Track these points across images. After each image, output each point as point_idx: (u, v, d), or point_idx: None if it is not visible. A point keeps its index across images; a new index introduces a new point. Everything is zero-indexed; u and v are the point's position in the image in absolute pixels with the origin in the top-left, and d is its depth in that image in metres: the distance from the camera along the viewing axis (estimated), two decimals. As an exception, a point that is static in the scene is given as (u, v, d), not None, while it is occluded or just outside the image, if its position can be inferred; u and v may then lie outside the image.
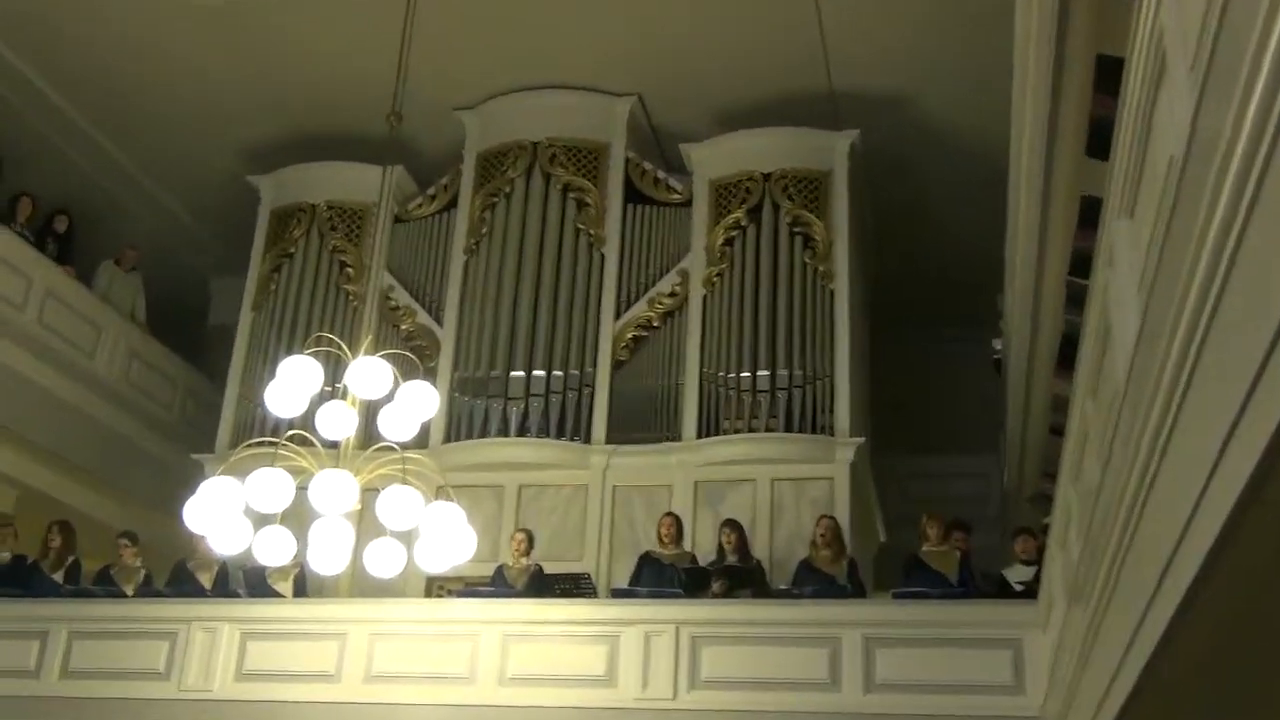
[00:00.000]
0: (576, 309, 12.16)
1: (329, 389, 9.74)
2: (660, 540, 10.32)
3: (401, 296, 12.84)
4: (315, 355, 8.60)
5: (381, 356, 8.46)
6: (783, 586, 9.92)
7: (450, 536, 8.28)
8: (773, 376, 11.41)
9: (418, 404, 8.45)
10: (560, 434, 11.64)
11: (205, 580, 10.54)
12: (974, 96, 11.58)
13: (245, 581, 10.47)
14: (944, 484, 14.37)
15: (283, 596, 10.29)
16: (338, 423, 8.30)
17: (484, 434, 11.67)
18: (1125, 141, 4.45)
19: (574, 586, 10.02)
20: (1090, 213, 7.23)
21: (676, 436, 11.51)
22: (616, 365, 11.96)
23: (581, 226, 12.51)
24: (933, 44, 11.50)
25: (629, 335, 12.08)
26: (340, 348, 9.02)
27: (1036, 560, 9.21)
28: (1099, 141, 6.68)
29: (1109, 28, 6.93)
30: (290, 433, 8.87)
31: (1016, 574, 9.49)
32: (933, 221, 13.70)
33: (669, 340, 12.01)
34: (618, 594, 9.95)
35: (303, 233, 13.31)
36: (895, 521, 12.62)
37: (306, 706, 9.51)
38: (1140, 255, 4.21)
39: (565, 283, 12.28)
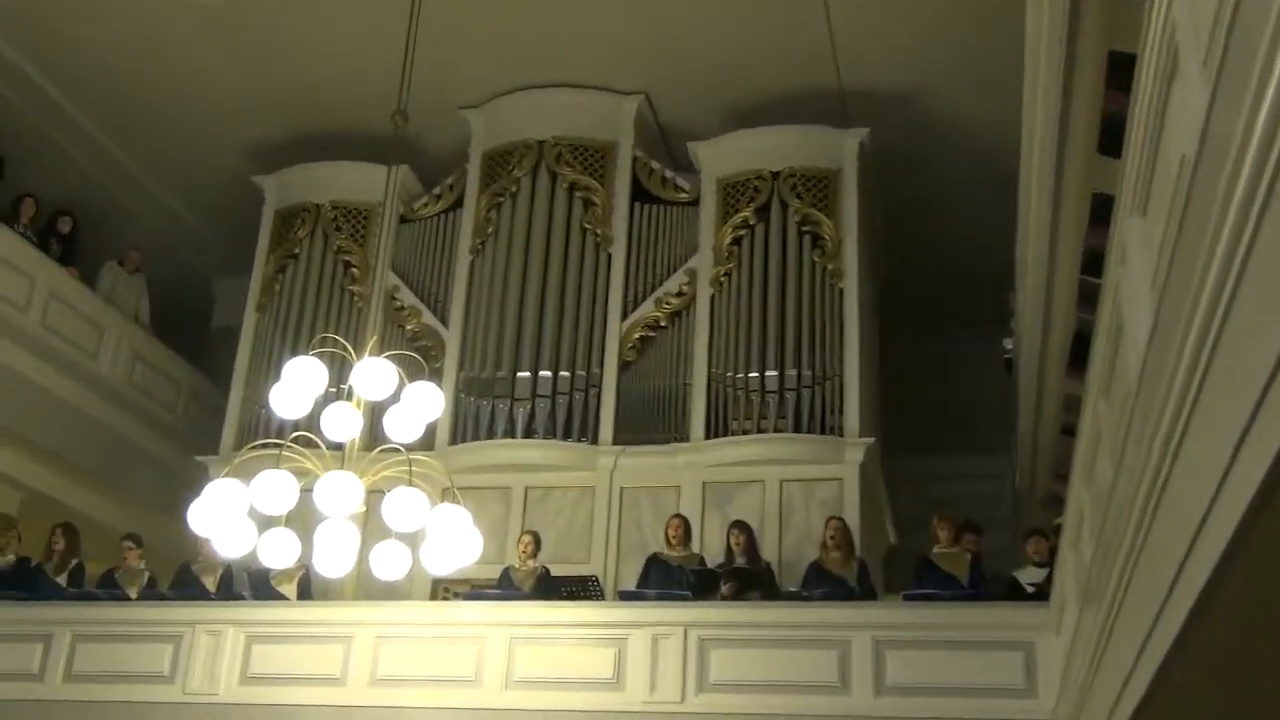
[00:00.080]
0: (583, 309, 12.13)
1: (334, 390, 9.77)
2: (668, 542, 10.27)
3: (407, 297, 12.80)
4: (320, 356, 8.57)
5: (387, 357, 8.41)
6: (792, 589, 9.87)
7: (456, 538, 8.26)
8: (781, 377, 11.37)
9: (423, 405, 8.41)
10: (567, 435, 11.60)
11: (209, 583, 10.52)
12: (984, 93, 11.52)
13: (249, 584, 10.45)
14: (955, 485, 14.30)
15: (287, 599, 10.26)
16: (343, 424, 8.28)
17: (490, 435, 11.64)
18: (1137, 139, 4.40)
19: (581, 589, 10.02)
20: (1102, 210, 7.19)
21: (684, 437, 11.47)
22: (623, 366, 11.93)
23: (588, 226, 12.47)
24: (942, 40, 11.45)
25: (636, 335, 12.04)
26: (345, 349, 8.98)
27: (1048, 562, 9.14)
28: (1111, 139, 6.64)
29: (1120, 24, 6.88)
30: (295, 434, 8.86)
31: (1028, 576, 9.44)
32: (943, 219, 13.64)
33: (676, 340, 11.98)
34: (625, 596, 9.91)
35: (307, 233, 13.29)
36: (905, 523, 12.63)
37: (312, 709, 9.47)
38: (1153, 254, 4.17)
39: (572, 283, 12.25)
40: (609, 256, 12.36)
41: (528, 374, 11.81)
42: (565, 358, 11.88)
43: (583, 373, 11.83)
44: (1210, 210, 2.96)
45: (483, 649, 9.44)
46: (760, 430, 11.24)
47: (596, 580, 10.23)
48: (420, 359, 10.48)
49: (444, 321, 12.52)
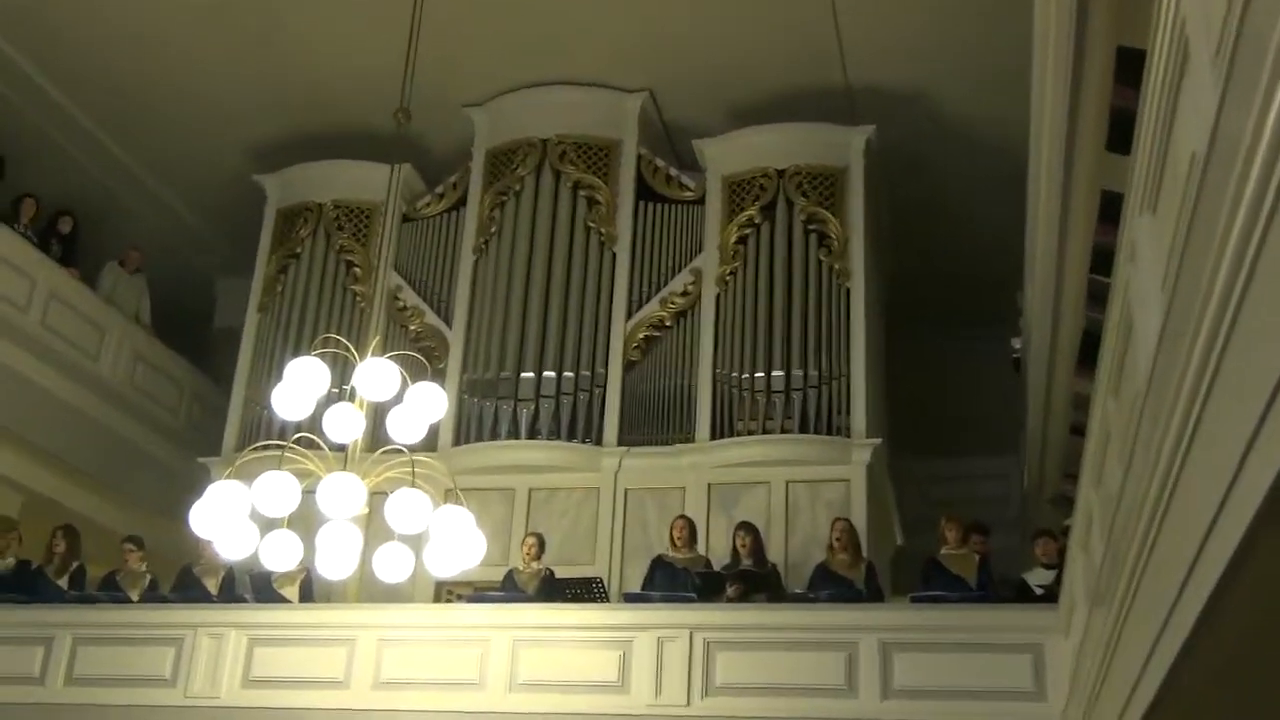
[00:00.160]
0: (587, 309, 12.09)
1: (336, 391, 9.73)
2: (673, 544, 10.22)
3: (409, 297, 12.77)
4: (322, 357, 8.55)
5: (389, 358, 8.39)
6: (798, 591, 9.82)
7: (459, 540, 8.24)
8: (787, 377, 11.33)
9: (426, 406, 8.40)
10: (571, 436, 11.57)
11: (211, 585, 10.49)
12: (992, 90, 11.47)
13: (251, 586, 10.42)
14: (963, 485, 14.30)
15: (289, 602, 10.22)
16: (345, 425, 8.25)
17: (494, 436, 11.62)
18: (1147, 136, 4.37)
19: (585, 591, 9.94)
20: (1111, 208, 7.17)
21: (689, 438, 11.42)
22: (628, 366, 11.89)
23: (592, 225, 12.43)
24: (950, 37, 11.40)
25: (641, 335, 12.00)
26: (347, 349, 8.97)
27: (1057, 563, 9.10)
28: (1120, 135, 6.59)
29: (1129, 18, 6.89)
30: (297, 435, 8.84)
31: (1037, 577, 9.40)
32: (951, 218, 13.61)
33: (681, 340, 11.94)
34: (630, 598, 9.86)
35: (309, 232, 13.26)
36: (913, 524, 12.60)
37: (315, 713, 9.43)
38: (1163, 252, 4.15)
39: (576, 282, 12.21)
40: (613, 256, 12.32)
41: (531, 374, 11.78)
42: (569, 358, 11.84)
43: (587, 373, 11.79)
44: (1220, 209, 2.92)
45: (486, 652, 9.39)
46: (766, 431, 11.19)
47: (601, 582, 10.15)
48: (423, 359, 10.49)
49: (447, 321, 12.49)
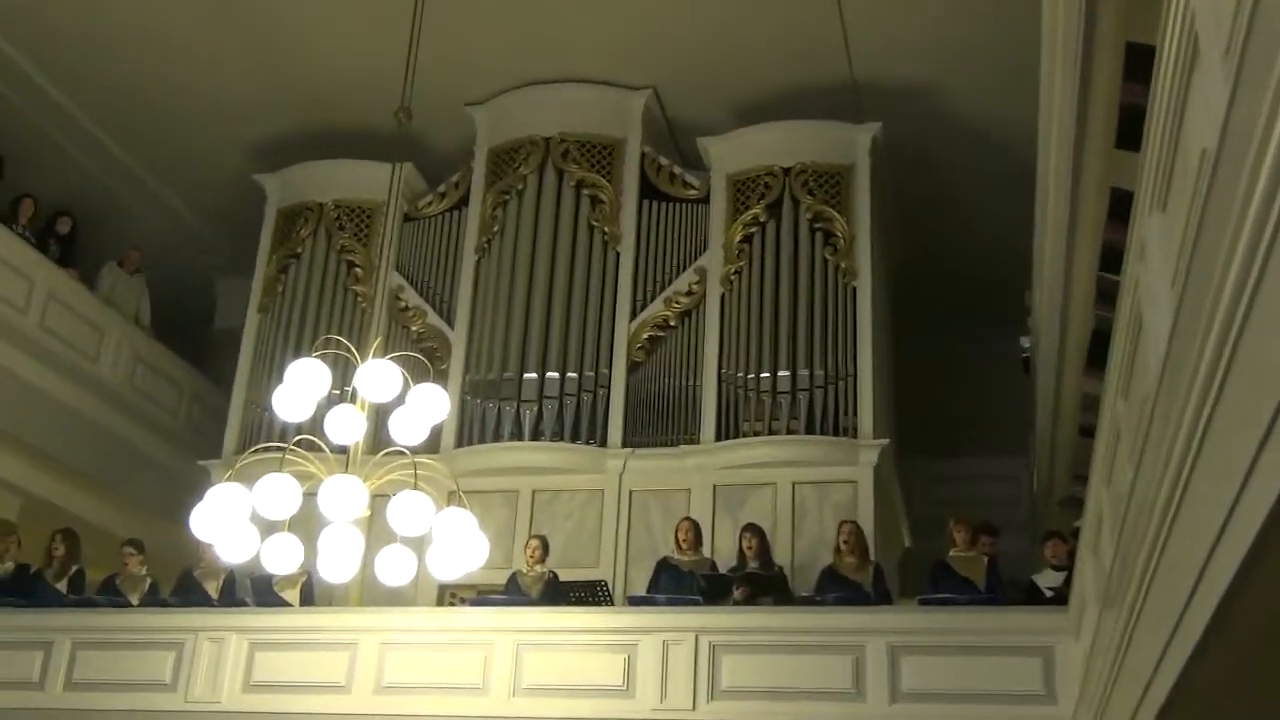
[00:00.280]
0: (591, 309, 12.05)
1: (337, 392, 9.70)
2: (678, 546, 10.19)
3: (411, 297, 12.73)
4: (323, 358, 8.48)
5: (391, 359, 8.31)
6: (805, 593, 9.78)
7: (462, 543, 8.16)
8: (793, 377, 11.29)
9: (428, 407, 8.34)
10: (575, 437, 11.53)
11: (212, 589, 10.48)
12: (1000, 86, 11.44)
13: (252, 590, 10.41)
14: (971, 487, 14.30)
15: (290, 605, 10.20)
16: (347, 427, 8.17)
17: (497, 438, 11.59)
18: (1157, 132, 4.34)
19: (590, 594, 9.89)
20: (1121, 206, 7.18)
21: (694, 439, 11.39)
22: (632, 366, 11.85)
23: (596, 224, 12.39)
24: (957, 32, 11.34)
25: (645, 335, 11.96)
26: (349, 350, 8.90)
27: (1067, 565, 9.04)
28: (1129, 132, 6.58)
29: (1139, 14, 6.84)
30: (298, 437, 8.80)
31: (1047, 579, 9.35)
32: (958, 216, 13.59)
33: (686, 340, 11.90)
34: (635, 601, 9.82)
35: (310, 232, 13.23)
36: (921, 526, 12.63)
37: (316, 718, 9.42)
38: (1173, 251, 4.13)
39: (579, 282, 12.17)
40: (617, 255, 12.29)
41: (534, 375, 11.75)
42: (573, 359, 11.80)
43: (590, 374, 11.75)
44: (1231, 206, 2.90)
45: (490, 655, 9.35)
46: (772, 432, 11.16)
47: (605, 585, 10.09)
48: (425, 360, 10.44)
49: (449, 322, 12.46)
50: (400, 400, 8.28)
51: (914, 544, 12.65)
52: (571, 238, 12.33)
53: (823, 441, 11.04)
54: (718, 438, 11.26)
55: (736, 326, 11.65)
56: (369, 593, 9.91)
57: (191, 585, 10.50)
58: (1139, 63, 6.43)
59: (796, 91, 12.15)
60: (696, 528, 10.25)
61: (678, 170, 12.59)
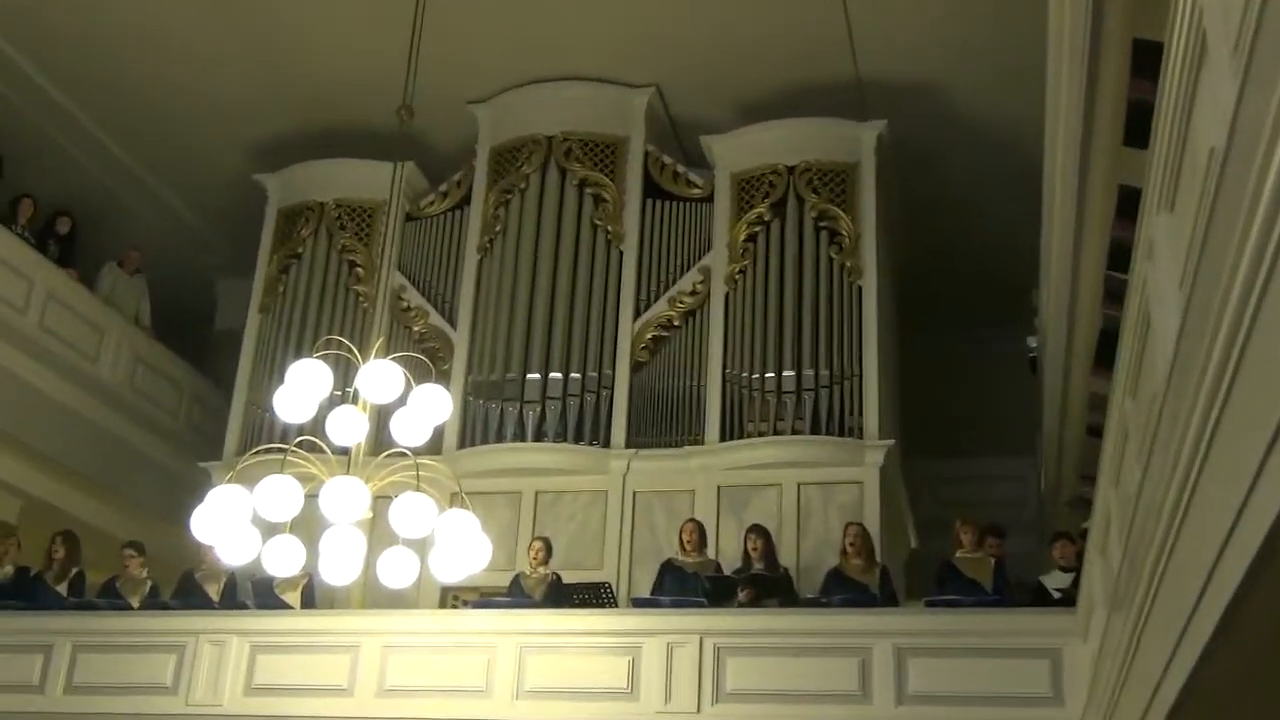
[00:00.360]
0: (594, 308, 12.03)
1: (339, 393, 9.68)
2: (682, 548, 10.16)
3: (413, 297, 12.70)
4: (324, 358, 8.47)
5: (393, 359, 8.30)
6: (811, 595, 9.76)
7: (465, 545, 8.13)
8: (798, 377, 11.26)
9: (431, 408, 8.31)
10: (578, 438, 11.51)
11: (213, 591, 10.46)
12: (1006, 84, 11.41)
13: (253, 592, 10.40)
14: (978, 487, 14.31)
15: (291, 608, 10.19)
16: (348, 428, 8.15)
17: (499, 439, 11.57)
18: (1165, 130, 4.32)
19: (593, 596, 9.87)
20: (1128, 203, 7.20)
21: (699, 440, 11.37)
22: (636, 366, 11.83)
23: (599, 223, 12.37)
24: (963, 29, 11.32)
25: (649, 335, 11.93)
26: (350, 351, 8.90)
27: (1075, 566, 9.04)
28: (1137, 129, 6.65)
29: (1146, 10, 6.84)
30: (299, 439, 8.76)
31: (1054, 581, 9.32)
32: (964, 214, 13.54)
33: (690, 340, 11.87)
34: (639, 603, 9.82)
35: (311, 232, 13.21)
36: (927, 527, 12.60)
37: (318, 721, 9.39)
38: (1181, 250, 4.12)
39: (582, 281, 12.15)
40: (620, 254, 12.26)
41: (537, 376, 11.72)
42: (576, 359, 11.78)
43: (594, 374, 11.73)
44: (1240, 204, 2.89)
45: (493, 658, 9.31)
46: (777, 432, 11.14)
47: (609, 587, 10.06)
48: (427, 361, 10.40)
49: (451, 322, 12.43)
50: (402, 401, 8.26)
51: (920, 545, 12.62)
52: (574, 237, 12.29)
53: (828, 442, 11.01)
54: (722, 438, 11.23)
55: (741, 326, 11.62)
56: (371, 595, 9.87)
57: (192, 588, 10.47)
58: (1147, 59, 6.48)
59: (801, 89, 12.12)
60: (701, 529, 10.21)
61: (681, 169, 12.56)
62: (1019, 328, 13.24)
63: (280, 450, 8.64)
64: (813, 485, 10.96)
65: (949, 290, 14.17)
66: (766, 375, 11.31)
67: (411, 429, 8.25)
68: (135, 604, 10.35)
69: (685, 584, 9.71)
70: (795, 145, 12.13)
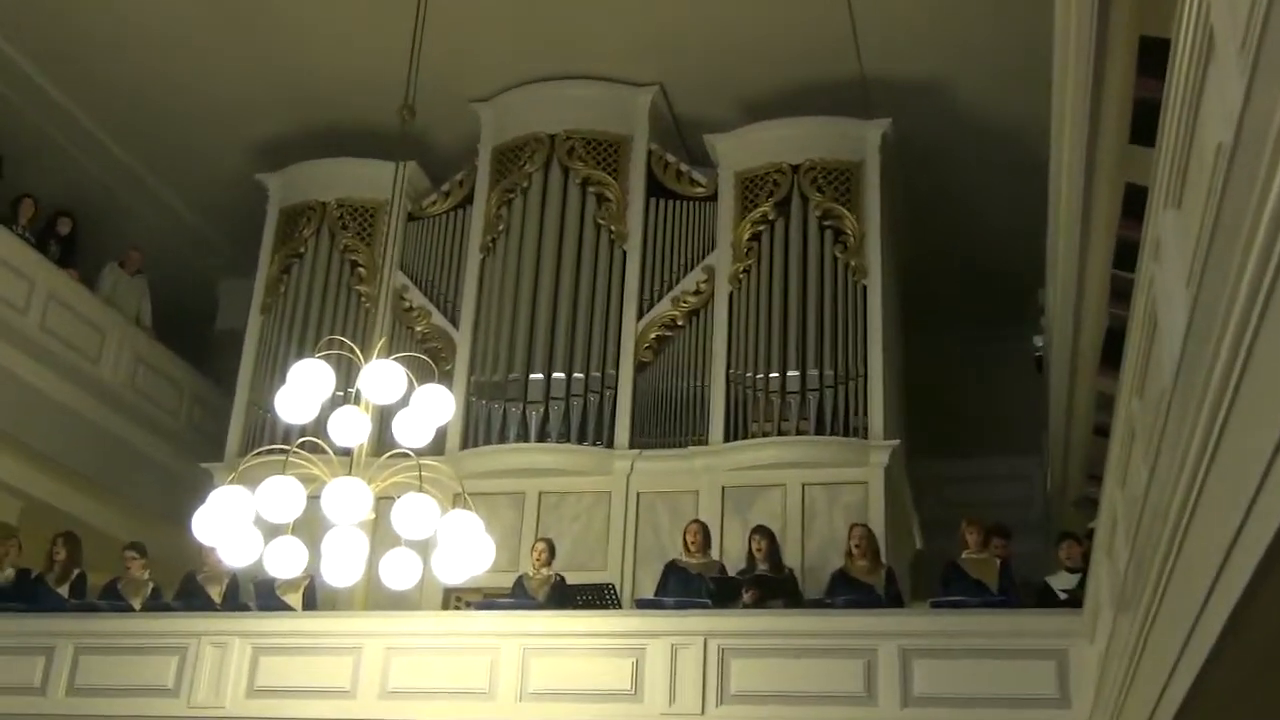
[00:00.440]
0: (597, 308, 12.00)
1: (341, 394, 9.59)
2: (686, 549, 10.13)
3: (415, 297, 12.68)
4: (326, 359, 8.46)
5: (395, 360, 8.27)
6: (815, 596, 9.74)
7: (468, 546, 8.10)
8: (803, 377, 11.22)
9: (433, 409, 8.29)
10: (581, 439, 11.48)
11: (215, 593, 10.44)
12: (1012, 81, 11.38)
13: (255, 594, 10.38)
14: (983, 487, 14.25)
15: (293, 609, 10.16)
16: (350, 429, 8.13)
17: (502, 439, 11.53)
18: (1171, 128, 4.28)
19: (597, 597, 9.86)
20: (1135, 202, 7.20)
21: (703, 440, 11.33)
22: (640, 367, 11.80)
23: (602, 222, 12.33)
24: (968, 26, 11.28)
25: (652, 335, 11.91)
26: (352, 351, 8.88)
27: (1082, 567, 8.99)
28: (1143, 127, 6.60)
29: (1153, 7, 6.85)
30: (301, 439, 8.72)
31: (1061, 581, 9.28)
32: (970, 213, 13.51)
33: (694, 340, 11.84)
34: (643, 605, 9.79)
35: (313, 232, 13.18)
36: (932, 527, 12.58)
37: (321, 723, 9.38)
38: (1188, 248, 4.08)
39: (585, 281, 12.11)
40: (624, 254, 12.22)
41: (540, 376, 11.69)
42: (579, 359, 11.74)
43: (597, 374, 11.70)
44: (1247, 203, 2.86)
45: (496, 660, 9.29)
46: (781, 432, 11.10)
47: (613, 588, 10.07)
48: (430, 361, 10.36)
49: (454, 322, 12.40)
50: (404, 401, 8.23)
51: (925, 546, 12.59)
52: (577, 236, 12.26)
53: (832, 442, 10.98)
54: (726, 438, 11.20)
55: (745, 326, 11.59)
56: (373, 596, 9.85)
57: (194, 589, 10.44)
58: (1153, 56, 6.46)
59: (805, 88, 12.08)
60: (705, 530, 10.18)
61: (685, 168, 12.53)
62: (1025, 327, 13.21)
63: (282, 451, 8.61)
64: (817, 486, 10.92)
65: (954, 289, 14.13)
66: (771, 375, 11.27)
67: (414, 429, 8.23)
68: (137, 606, 10.33)
69: (689, 585, 9.68)
70: (799, 144, 12.08)
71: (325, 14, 11.69)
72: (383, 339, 8.73)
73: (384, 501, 8.27)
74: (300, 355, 11.19)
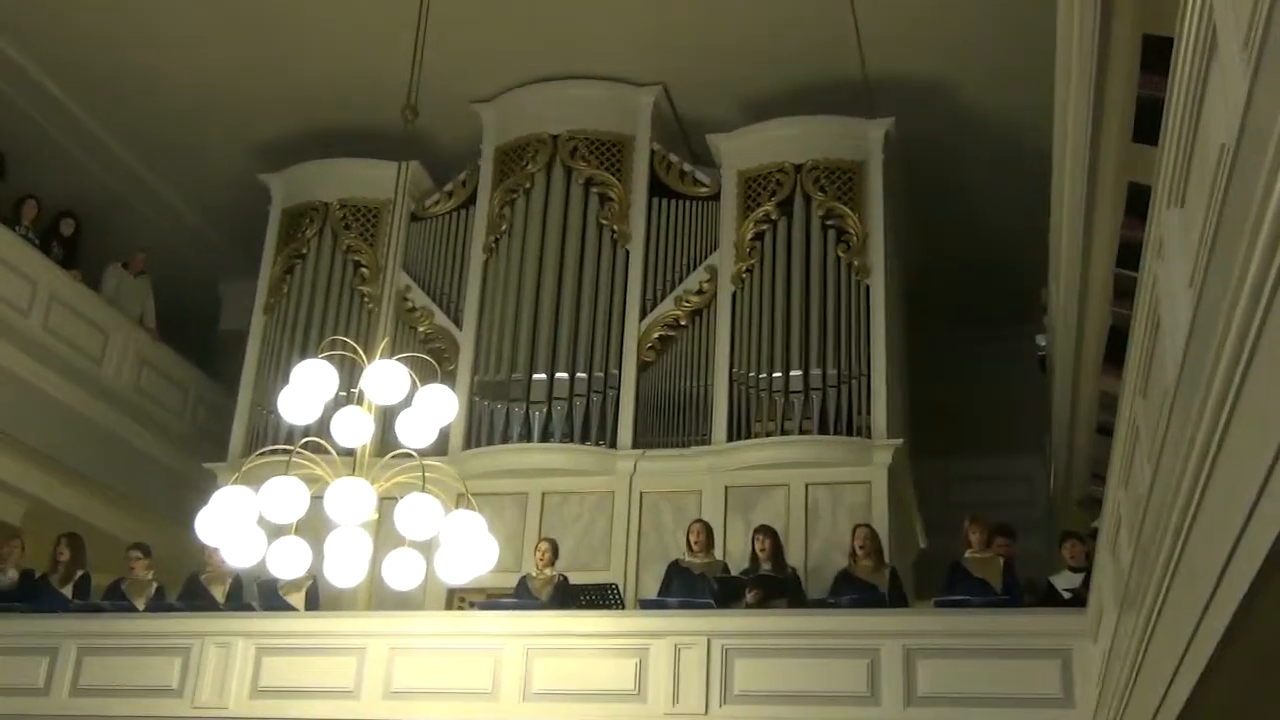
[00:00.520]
0: (600, 308, 11.97)
1: (344, 394, 9.66)
2: (690, 548, 10.11)
3: (418, 297, 12.66)
4: (330, 359, 8.46)
5: (398, 360, 8.28)
6: (819, 596, 9.73)
7: (471, 546, 8.10)
8: (806, 376, 11.19)
9: (436, 409, 8.31)
10: (585, 439, 11.45)
11: (219, 593, 10.45)
12: (1015, 80, 11.32)
13: (258, 594, 10.38)
14: (987, 487, 14.29)
15: (296, 610, 10.17)
16: (353, 429, 8.15)
17: (505, 440, 11.51)
18: (1174, 127, 4.27)
19: (600, 597, 9.87)
20: (1138, 201, 7.11)
21: (706, 440, 11.30)
22: (643, 366, 11.77)
23: (605, 222, 12.31)
24: (971, 24, 11.24)
25: (655, 335, 11.88)
26: (355, 351, 8.93)
27: (1085, 566, 8.98)
28: (1147, 125, 6.55)
29: (1156, 4, 6.78)
30: (305, 440, 8.80)
31: (1064, 581, 9.26)
32: (973, 212, 13.49)
33: (697, 340, 11.81)
34: (646, 605, 9.78)
35: (315, 232, 13.16)
36: (936, 527, 12.55)
37: (324, 724, 9.37)
38: (1191, 247, 4.07)
39: (588, 281, 12.09)
40: (626, 253, 12.20)
41: (544, 376, 11.66)
42: (582, 359, 11.72)
43: (600, 374, 11.67)
44: (1251, 202, 2.85)
45: (499, 660, 9.29)
46: (784, 432, 11.06)
47: (616, 588, 10.06)
48: (433, 361, 10.34)
49: (457, 322, 12.38)
50: (407, 402, 8.24)
51: (928, 545, 12.56)
52: (580, 236, 12.24)
53: (836, 442, 10.95)
54: (729, 438, 11.17)
55: (748, 325, 11.56)
56: (377, 597, 9.88)
57: (198, 590, 10.44)
58: (1156, 55, 6.40)
59: (808, 87, 12.04)
60: (708, 529, 10.17)
61: (688, 167, 12.51)
62: (1028, 326, 13.16)
63: (285, 451, 8.64)
64: (821, 485, 10.89)
65: (957, 288, 14.07)
66: (774, 375, 11.23)
67: (417, 430, 8.24)
68: (140, 606, 10.33)
69: (693, 585, 9.65)
70: (802, 143, 12.06)
71: (328, 14, 11.67)
72: (385, 339, 8.74)
73: (387, 502, 8.29)
74: (303, 356, 11.22)
